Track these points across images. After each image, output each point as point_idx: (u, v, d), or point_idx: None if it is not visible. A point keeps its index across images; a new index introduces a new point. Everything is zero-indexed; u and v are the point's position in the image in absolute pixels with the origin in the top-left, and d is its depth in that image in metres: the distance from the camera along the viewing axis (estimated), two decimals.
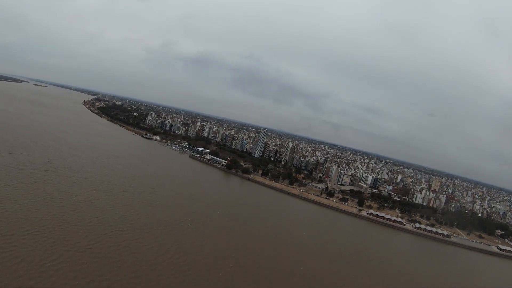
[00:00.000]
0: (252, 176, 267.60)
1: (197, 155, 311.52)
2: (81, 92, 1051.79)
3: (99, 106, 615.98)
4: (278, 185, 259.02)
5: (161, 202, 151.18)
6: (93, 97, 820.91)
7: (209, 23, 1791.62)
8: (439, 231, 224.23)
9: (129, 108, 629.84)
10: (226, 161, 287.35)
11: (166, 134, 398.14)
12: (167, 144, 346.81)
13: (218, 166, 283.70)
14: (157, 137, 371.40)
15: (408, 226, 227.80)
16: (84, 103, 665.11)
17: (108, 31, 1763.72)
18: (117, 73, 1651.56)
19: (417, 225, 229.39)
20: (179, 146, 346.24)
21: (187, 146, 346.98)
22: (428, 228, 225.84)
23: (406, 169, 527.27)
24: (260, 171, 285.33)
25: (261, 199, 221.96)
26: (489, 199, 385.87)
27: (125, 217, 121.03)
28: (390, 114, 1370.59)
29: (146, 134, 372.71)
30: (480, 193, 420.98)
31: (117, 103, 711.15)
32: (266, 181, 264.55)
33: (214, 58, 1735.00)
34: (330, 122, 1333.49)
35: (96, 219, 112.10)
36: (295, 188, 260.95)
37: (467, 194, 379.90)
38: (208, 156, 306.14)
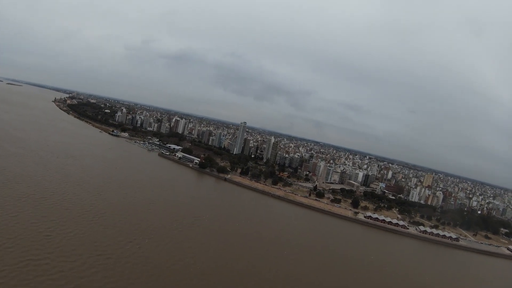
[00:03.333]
0: (229, 176, 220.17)
1: (167, 153, 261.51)
2: (57, 91, 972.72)
3: (70, 103, 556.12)
4: (259, 185, 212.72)
5: (107, 213, 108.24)
6: (67, 95, 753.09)
7: (190, 19, 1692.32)
8: (447, 234, 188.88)
9: (102, 105, 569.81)
10: (199, 159, 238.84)
11: (136, 130, 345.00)
12: (135, 141, 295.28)
13: (191, 165, 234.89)
14: (126, 134, 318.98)
15: (412, 229, 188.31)
16: (55, 100, 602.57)
17: (86, 28, 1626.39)
18: (96, 72, 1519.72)
19: (422, 228, 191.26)
20: (148, 143, 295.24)
21: (158, 143, 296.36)
22: (434, 231, 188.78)
23: (391, 165, 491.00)
24: (239, 170, 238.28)
25: (239, 204, 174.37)
26: (479, 194, 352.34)
27: (50, 237, 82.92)
28: (373, 111, 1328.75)
29: (113, 131, 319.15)
30: (469, 188, 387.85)
31: (92, 101, 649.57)
32: (246, 181, 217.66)
33: (195, 55, 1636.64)
34: (312, 119, 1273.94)
35: (9, 242, 75.80)
36: (279, 188, 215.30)
37: (458, 190, 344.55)
38: (179, 154, 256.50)
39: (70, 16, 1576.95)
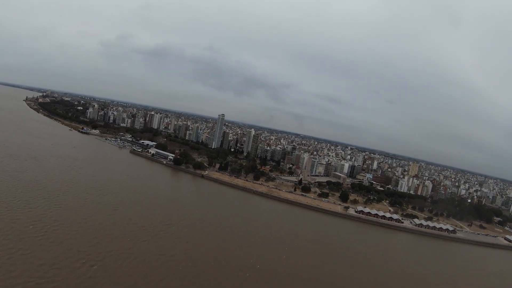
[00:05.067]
0: (206, 173, 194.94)
1: (140, 150, 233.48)
2: (31, 90, 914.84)
3: (42, 102, 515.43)
4: (240, 181, 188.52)
5: (59, 224, 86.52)
6: (40, 94, 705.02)
7: (166, 13, 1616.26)
8: (443, 226, 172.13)
9: (76, 103, 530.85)
10: (174, 155, 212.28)
11: (108, 127, 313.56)
12: (106, 139, 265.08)
13: (164, 162, 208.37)
14: (96, 131, 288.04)
15: (407, 223, 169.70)
16: (26, 99, 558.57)
17: (60, 26, 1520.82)
18: (72, 70, 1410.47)
19: (417, 221, 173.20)
20: (120, 139, 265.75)
21: (130, 139, 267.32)
22: (430, 224, 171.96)
23: (372, 155, 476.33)
24: (218, 165, 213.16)
25: (218, 205, 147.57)
26: (463, 181, 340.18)
27: None
28: (352, 103, 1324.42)
29: (82, 128, 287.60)
30: (452, 176, 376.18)
31: (67, 99, 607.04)
32: (225, 177, 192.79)
33: (173, 51, 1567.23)
34: (292, 112, 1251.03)
35: None
36: (262, 184, 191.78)
37: (443, 178, 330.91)
38: (152, 150, 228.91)
39: (44, 14, 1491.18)
